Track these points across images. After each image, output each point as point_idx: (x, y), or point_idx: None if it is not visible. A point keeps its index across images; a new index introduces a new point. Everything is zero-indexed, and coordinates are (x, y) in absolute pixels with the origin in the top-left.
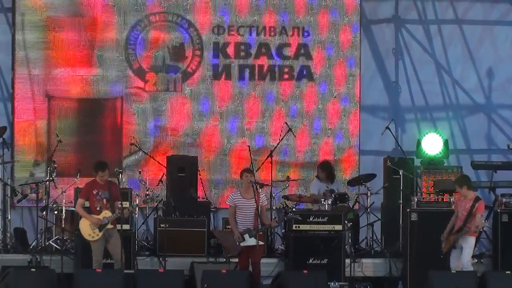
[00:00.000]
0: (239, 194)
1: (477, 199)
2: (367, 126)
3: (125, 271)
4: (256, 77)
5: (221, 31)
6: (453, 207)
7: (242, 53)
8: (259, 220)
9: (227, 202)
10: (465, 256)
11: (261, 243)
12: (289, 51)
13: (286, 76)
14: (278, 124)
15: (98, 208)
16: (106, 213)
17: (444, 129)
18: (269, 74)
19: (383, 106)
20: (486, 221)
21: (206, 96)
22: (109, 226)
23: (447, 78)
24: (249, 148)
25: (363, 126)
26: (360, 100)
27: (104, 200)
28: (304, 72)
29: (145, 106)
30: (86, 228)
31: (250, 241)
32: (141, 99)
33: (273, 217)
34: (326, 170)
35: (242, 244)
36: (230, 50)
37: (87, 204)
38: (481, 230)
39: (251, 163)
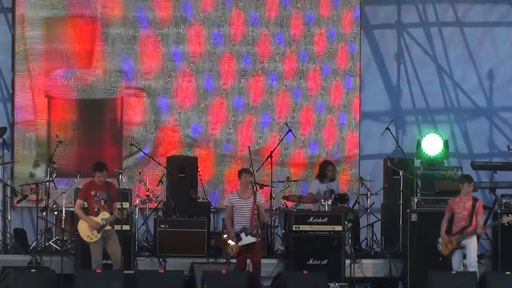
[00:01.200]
0: (237, 195)
1: (475, 199)
2: (368, 128)
3: (125, 271)
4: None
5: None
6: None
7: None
8: (258, 219)
9: (224, 203)
10: (472, 256)
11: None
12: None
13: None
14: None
15: (96, 209)
16: (105, 214)
17: (445, 132)
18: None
19: (384, 109)
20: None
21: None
22: (107, 227)
23: (447, 79)
24: (249, 148)
25: (364, 129)
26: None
27: (102, 201)
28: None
29: (145, 106)
30: (85, 229)
31: (247, 239)
32: (141, 99)
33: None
34: (327, 170)
35: (239, 243)
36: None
37: (86, 204)
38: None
39: (251, 164)
